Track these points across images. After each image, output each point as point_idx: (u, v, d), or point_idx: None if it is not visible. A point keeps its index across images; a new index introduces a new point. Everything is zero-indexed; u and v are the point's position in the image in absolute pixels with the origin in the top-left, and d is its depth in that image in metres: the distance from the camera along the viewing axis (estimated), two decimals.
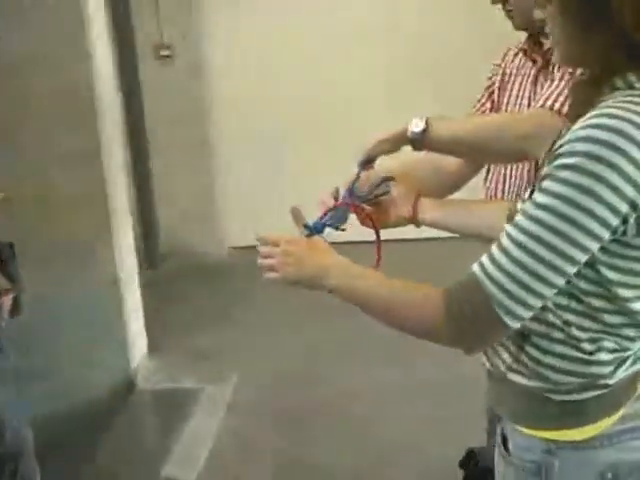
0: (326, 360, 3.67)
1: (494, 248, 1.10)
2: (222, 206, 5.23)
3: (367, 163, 1.55)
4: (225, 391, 3.40)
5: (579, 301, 1.11)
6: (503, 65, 1.80)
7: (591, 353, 1.13)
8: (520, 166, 1.67)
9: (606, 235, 1.04)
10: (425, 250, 4.28)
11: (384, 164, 1.61)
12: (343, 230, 1.48)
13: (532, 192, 1.14)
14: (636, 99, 1.04)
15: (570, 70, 1.51)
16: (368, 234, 1.57)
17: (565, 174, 1.03)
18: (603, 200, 1.01)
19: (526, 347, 1.17)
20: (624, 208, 1.02)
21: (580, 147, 1.02)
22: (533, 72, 1.70)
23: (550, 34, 1.17)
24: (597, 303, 1.11)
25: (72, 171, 3.15)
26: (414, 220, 1.57)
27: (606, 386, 1.15)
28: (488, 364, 1.27)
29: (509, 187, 1.71)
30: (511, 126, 1.51)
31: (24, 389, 2.43)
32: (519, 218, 1.08)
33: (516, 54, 1.77)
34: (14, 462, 2.23)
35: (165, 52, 4.89)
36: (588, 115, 1.05)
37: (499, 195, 1.74)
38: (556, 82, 1.53)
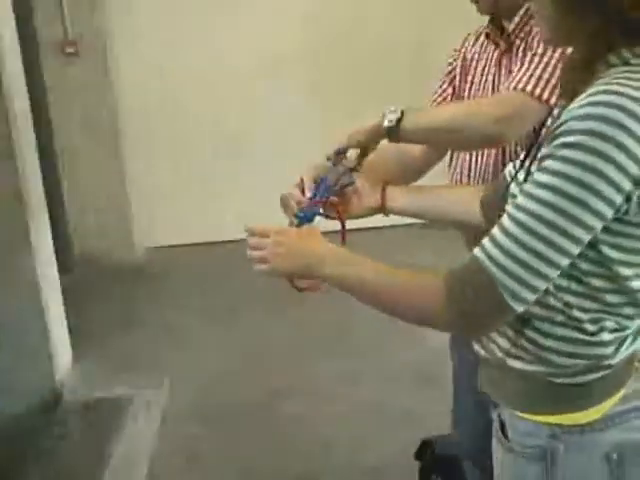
0: (261, 358, 3.60)
1: (496, 231, 1.08)
2: (136, 207, 5.07)
3: (339, 154, 1.51)
4: (159, 396, 3.27)
5: (579, 282, 1.10)
6: (463, 50, 1.79)
7: (593, 334, 1.12)
8: (486, 151, 1.66)
9: (610, 214, 1.03)
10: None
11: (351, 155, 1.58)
12: (333, 218, 1.48)
13: (527, 174, 1.13)
14: (633, 75, 1.04)
15: (540, 52, 1.51)
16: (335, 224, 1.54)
17: (567, 152, 1.01)
18: (607, 177, 1.00)
19: (526, 331, 1.15)
20: (627, 185, 1.01)
21: (580, 125, 1.01)
22: (496, 56, 1.69)
23: (537, 14, 1.16)
24: (597, 283, 1.10)
25: None
26: (383, 209, 1.55)
27: (609, 367, 1.14)
28: (482, 351, 1.25)
29: (475, 172, 1.70)
30: (487, 109, 1.50)
31: None
32: (520, 199, 1.06)
33: (477, 39, 1.76)
34: None
35: (70, 49, 4.68)
36: (585, 93, 1.04)
37: (464, 180, 1.72)
38: (526, 65, 1.53)
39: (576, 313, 1.11)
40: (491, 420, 1.59)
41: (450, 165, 1.78)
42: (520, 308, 1.07)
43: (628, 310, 1.13)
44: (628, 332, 1.15)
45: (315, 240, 1.28)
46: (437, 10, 4.77)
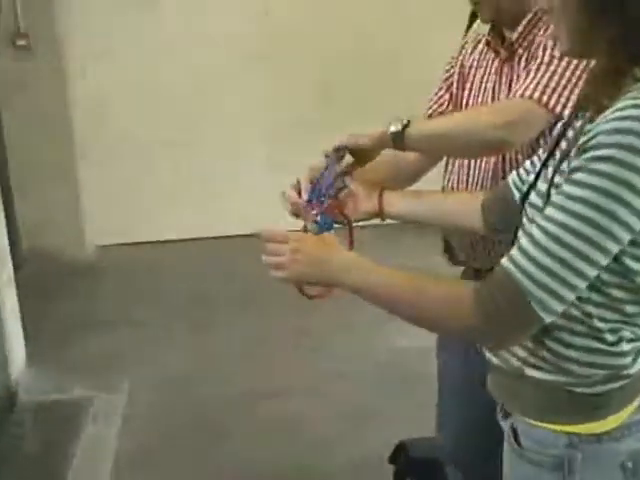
0: (220, 359, 3.55)
1: (524, 241, 1.09)
2: (87, 204, 4.95)
3: (338, 151, 1.50)
4: (119, 399, 3.20)
5: (600, 292, 1.12)
6: (461, 58, 1.79)
7: (613, 344, 1.14)
8: (485, 158, 1.67)
9: (638, 226, 1.04)
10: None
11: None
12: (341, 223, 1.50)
13: (550, 185, 1.13)
14: None
15: (546, 61, 1.53)
16: None
17: (596, 165, 1.03)
18: (636, 189, 1.01)
19: (547, 341, 1.16)
20: None
21: (609, 139, 1.02)
22: (496, 64, 1.69)
23: (555, 25, 1.16)
24: (618, 294, 1.12)
25: None
26: (380, 214, 1.56)
27: (628, 376, 1.16)
28: (495, 359, 1.25)
29: (473, 178, 1.71)
30: (492, 117, 1.51)
31: None
32: (549, 210, 1.07)
33: (475, 46, 1.77)
34: None
35: (22, 42, 4.53)
36: (614, 107, 1.05)
37: (461, 186, 1.73)
38: (532, 73, 1.54)
39: (596, 323, 1.13)
40: (478, 419, 1.60)
41: (446, 171, 1.78)
42: (549, 319, 1.08)
43: None
44: None
45: (334, 248, 1.27)
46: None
